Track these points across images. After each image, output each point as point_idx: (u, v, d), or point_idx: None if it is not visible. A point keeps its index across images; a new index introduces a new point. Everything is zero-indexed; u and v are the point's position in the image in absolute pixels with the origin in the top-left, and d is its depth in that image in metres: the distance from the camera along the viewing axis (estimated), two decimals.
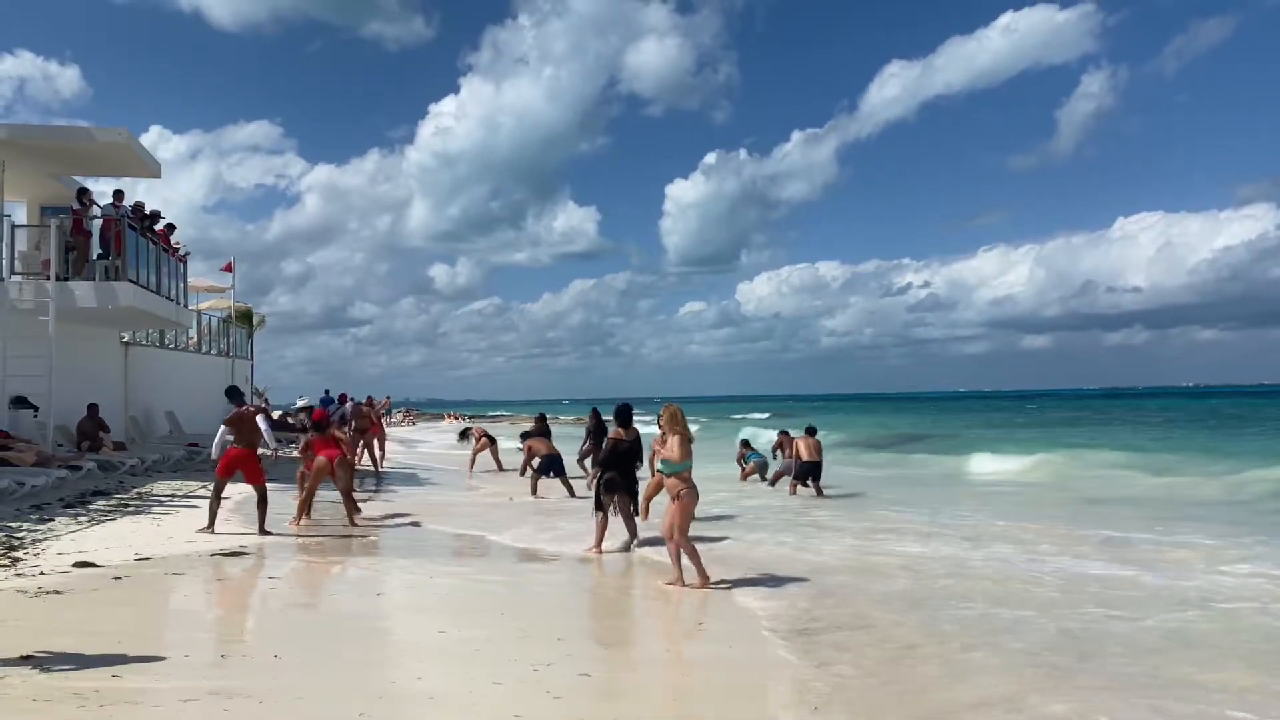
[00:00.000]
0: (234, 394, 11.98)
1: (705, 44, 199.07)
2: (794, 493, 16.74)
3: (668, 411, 8.81)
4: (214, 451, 11.24)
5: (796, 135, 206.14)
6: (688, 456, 8.61)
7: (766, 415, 73.51)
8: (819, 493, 16.52)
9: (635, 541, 10.56)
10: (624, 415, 10.98)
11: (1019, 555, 10.38)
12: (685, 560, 8.44)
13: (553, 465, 16.38)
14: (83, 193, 17.51)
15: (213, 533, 10.80)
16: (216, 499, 11.11)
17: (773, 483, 18.24)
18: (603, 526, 10.49)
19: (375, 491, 16.49)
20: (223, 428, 11.32)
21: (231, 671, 5.72)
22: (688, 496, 8.52)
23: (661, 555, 10.44)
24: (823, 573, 9.22)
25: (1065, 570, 9.48)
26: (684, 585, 8.38)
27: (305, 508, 12.03)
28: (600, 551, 10.32)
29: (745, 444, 21.18)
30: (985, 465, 24.67)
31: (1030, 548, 10.85)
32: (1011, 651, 6.47)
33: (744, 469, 19.86)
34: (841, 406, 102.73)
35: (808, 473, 16.76)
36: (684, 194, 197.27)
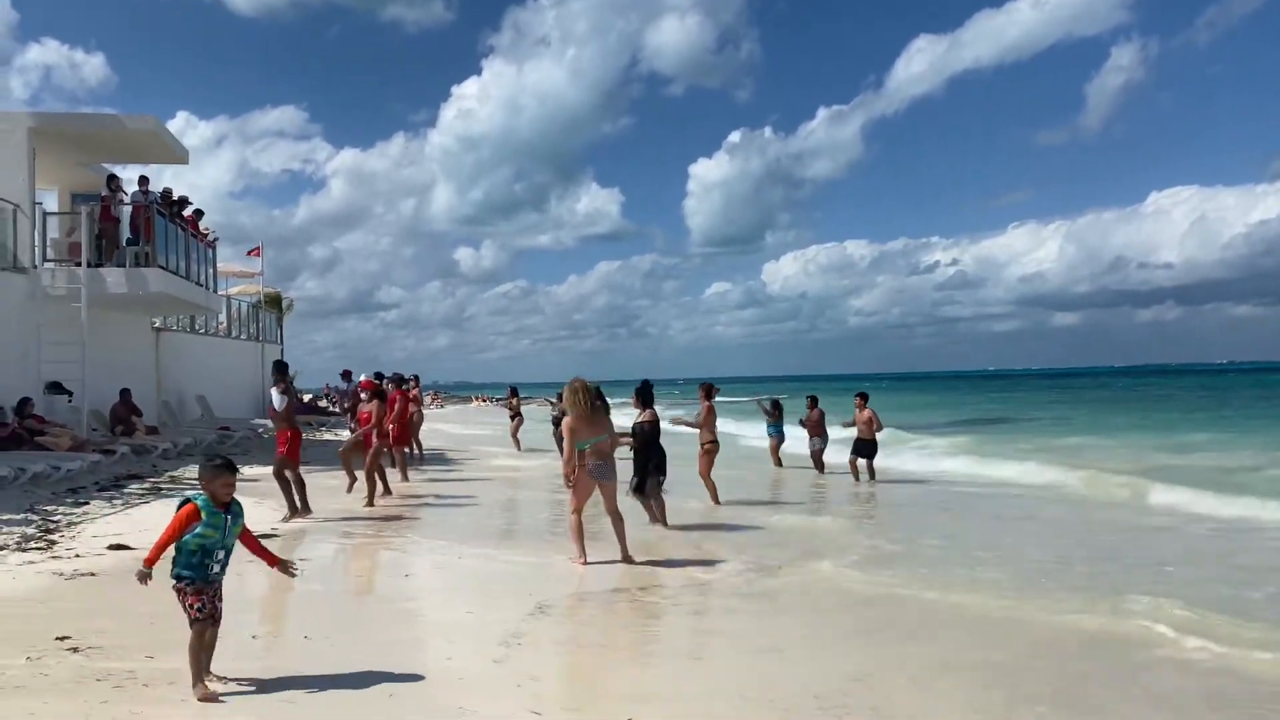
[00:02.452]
0: (281, 369, 11.82)
1: (727, 21, 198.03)
2: (856, 476, 15.86)
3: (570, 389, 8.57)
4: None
5: (822, 112, 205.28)
6: (587, 435, 8.41)
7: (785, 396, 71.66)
8: (872, 474, 15.92)
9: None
10: (645, 395, 10.97)
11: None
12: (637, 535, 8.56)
13: None
14: (112, 179, 17.67)
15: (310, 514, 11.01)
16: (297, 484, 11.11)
17: (821, 466, 16.85)
18: (650, 507, 10.61)
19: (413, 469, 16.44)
20: (283, 398, 11.09)
21: (263, 652, 5.77)
22: (580, 474, 8.40)
23: (691, 537, 10.47)
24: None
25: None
26: (584, 563, 8.34)
27: (373, 488, 12.35)
28: (667, 526, 10.44)
29: (775, 405, 19.03)
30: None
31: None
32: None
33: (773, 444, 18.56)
34: (872, 388, 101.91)
35: (863, 451, 15.95)
36: (707, 174, 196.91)
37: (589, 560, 8.39)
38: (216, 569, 4.81)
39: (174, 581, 4.76)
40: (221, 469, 4.85)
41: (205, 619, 4.75)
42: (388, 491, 12.87)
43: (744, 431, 26.24)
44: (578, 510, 8.48)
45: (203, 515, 4.73)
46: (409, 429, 16.13)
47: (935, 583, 7.97)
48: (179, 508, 4.81)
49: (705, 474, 12.71)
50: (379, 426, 12.68)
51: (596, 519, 10.14)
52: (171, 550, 4.80)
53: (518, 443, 22.19)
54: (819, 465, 17.06)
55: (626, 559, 8.45)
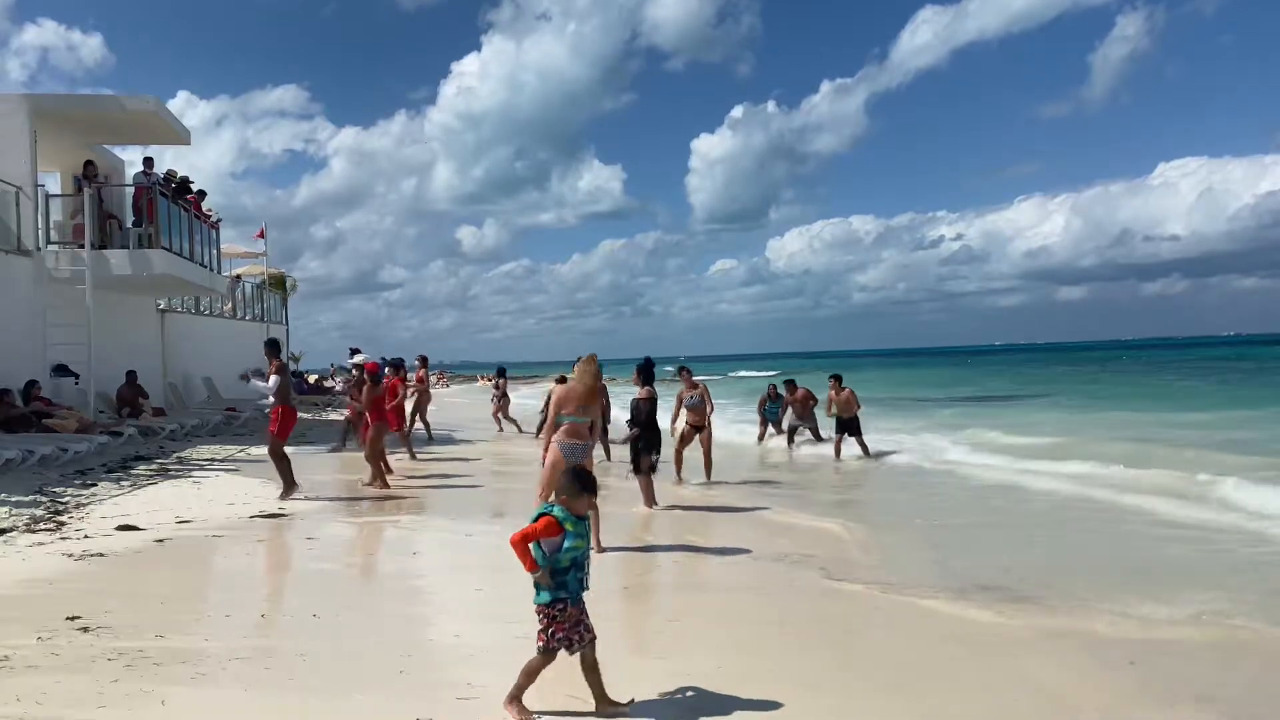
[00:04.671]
0: (273, 346, 11.75)
1: None
2: (838, 454, 16.26)
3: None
4: (271, 401, 11.09)
5: (826, 86, 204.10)
6: (568, 412, 8.02)
7: (775, 372, 70.22)
8: (865, 451, 16.27)
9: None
10: (646, 373, 10.97)
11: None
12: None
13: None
14: (88, 164, 17.47)
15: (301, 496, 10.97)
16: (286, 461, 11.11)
17: (791, 442, 17.93)
18: (648, 486, 10.53)
19: (421, 449, 16.45)
20: (276, 379, 11.08)
21: (272, 630, 5.80)
22: (553, 453, 8.03)
23: (692, 515, 10.48)
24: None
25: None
26: None
27: (382, 471, 12.27)
28: (653, 506, 10.39)
29: (773, 390, 19.70)
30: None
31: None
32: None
33: (762, 425, 19.34)
34: (878, 363, 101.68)
35: (848, 428, 16.35)
36: (710, 149, 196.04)
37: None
38: (588, 581, 4.41)
39: (545, 605, 4.30)
40: (590, 488, 4.43)
41: (557, 649, 4.30)
42: (389, 472, 12.78)
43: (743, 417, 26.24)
44: (544, 495, 8.00)
45: (566, 528, 4.28)
46: (403, 412, 16.05)
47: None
48: (534, 521, 4.34)
49: (707, 452, 13.03)
50: (376, 410, 12.65)
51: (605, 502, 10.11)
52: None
53: (499, 423, 22.27)
54: (790, 440, 17.92)
55: (598, 549, 7.99)
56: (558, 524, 4.28)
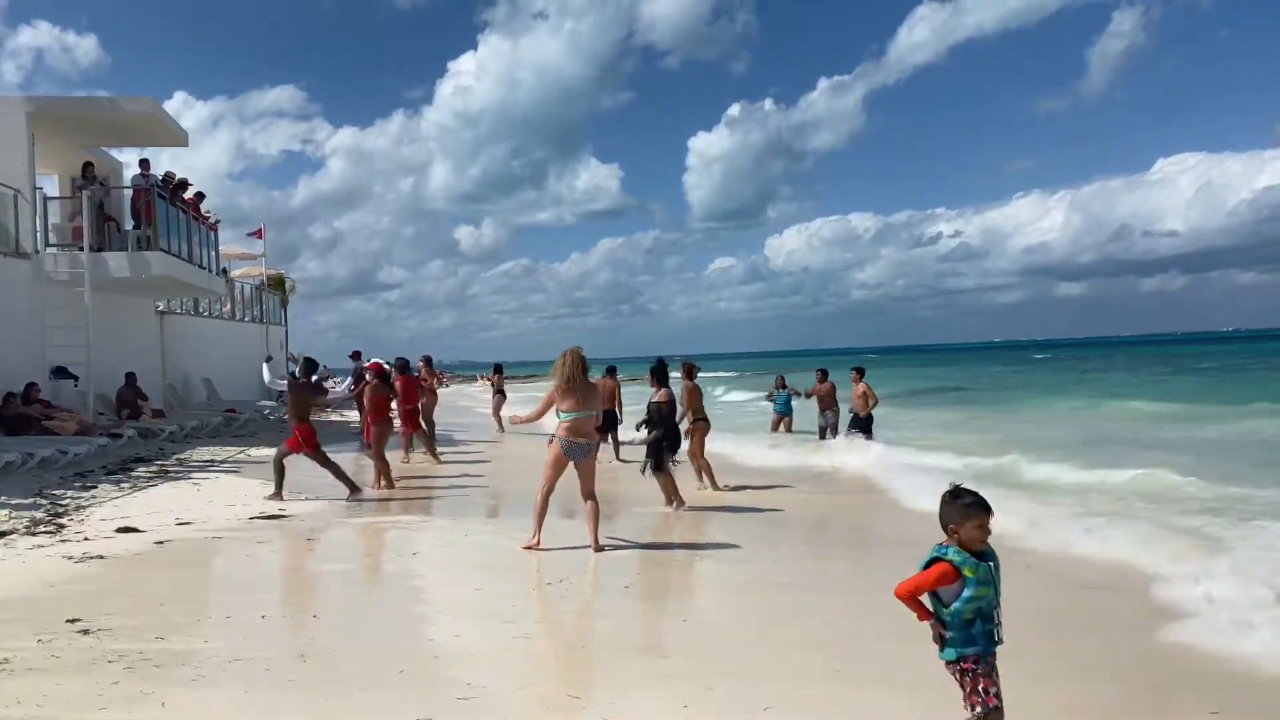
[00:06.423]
0: (310, 366, 11.81)
1: None
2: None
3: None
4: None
5: (823, 83, 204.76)
6: (568, 407, 8.06)
7: (735, 374, 67.52)
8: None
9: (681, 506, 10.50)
10: (661, 374, 10.97)
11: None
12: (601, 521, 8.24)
13: (603, 423, 15.68)
14: (87, 166, 17.47)
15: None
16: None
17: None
18: (670, 484, 10.44)
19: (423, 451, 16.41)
20: (350, 381, 11.16)
21: (273, 631, 5.81)
22: (553, 449, 8.13)
23: (704, 515, 10.48)
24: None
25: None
26: (537, 547, 8.05)
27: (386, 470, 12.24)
28: (681, 506, 10.32)
29: (780, 380, 19.64)
30: None
31: None
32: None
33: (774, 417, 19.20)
34: (877, 360, 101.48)
35: (858, 426, 16.20)
36: (707, 147, 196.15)
37: (541, 546, 8.09)
38: (1000, 633, 3.65)
39: (956, 662, 3.63)
40: (974, 508, 3.60)
41: (1000, 704, 3.58)
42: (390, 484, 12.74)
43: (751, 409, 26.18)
44: (545, 490, 8.20)
45: (965, 574, 3.56)
46: (417, 414, 16.01)
47: None
48: (924, 567, 3.65)
49: (698, 454, 12.07)
50: (383, 410, 12.68)
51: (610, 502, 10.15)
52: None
53: (499, 422, 22.12)
54: (822, 437, 17.18)
55: (596, 547, 8.08)
56: (954, 570, 3.57)
